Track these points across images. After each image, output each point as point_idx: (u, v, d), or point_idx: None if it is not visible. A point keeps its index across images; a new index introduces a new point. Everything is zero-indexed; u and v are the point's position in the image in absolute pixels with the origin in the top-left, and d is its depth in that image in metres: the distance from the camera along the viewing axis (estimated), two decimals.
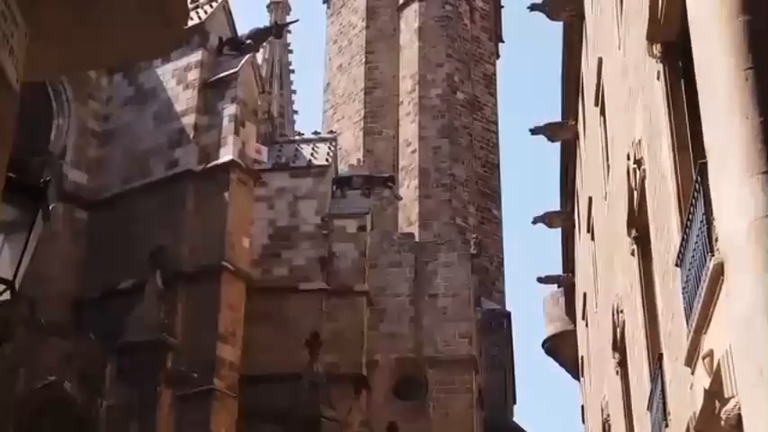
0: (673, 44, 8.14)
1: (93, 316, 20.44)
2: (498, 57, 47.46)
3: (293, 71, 47.62)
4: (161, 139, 22.21)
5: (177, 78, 22.49)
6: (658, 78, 8.32)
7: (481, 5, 46.09)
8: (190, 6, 23.76)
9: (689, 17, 6.75)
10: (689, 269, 6.93)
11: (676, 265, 7.48)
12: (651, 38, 8.38)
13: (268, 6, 46.50)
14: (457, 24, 43.23)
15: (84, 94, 23.04)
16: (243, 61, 21.94)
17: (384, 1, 44.95)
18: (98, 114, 23.18)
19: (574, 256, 22.60)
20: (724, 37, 5.81)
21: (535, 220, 22.38)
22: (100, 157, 22.85)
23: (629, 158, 10.26)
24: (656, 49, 8.34)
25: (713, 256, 6.03)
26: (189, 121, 21.92)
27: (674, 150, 7.90)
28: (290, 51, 48.19)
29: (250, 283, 21.70)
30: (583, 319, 21.04)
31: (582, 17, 17.03)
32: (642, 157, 9.55)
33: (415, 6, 43.16)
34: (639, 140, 9.65)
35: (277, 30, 25.32)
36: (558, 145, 21.09)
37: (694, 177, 6.87)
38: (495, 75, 46.07)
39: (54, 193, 4.60)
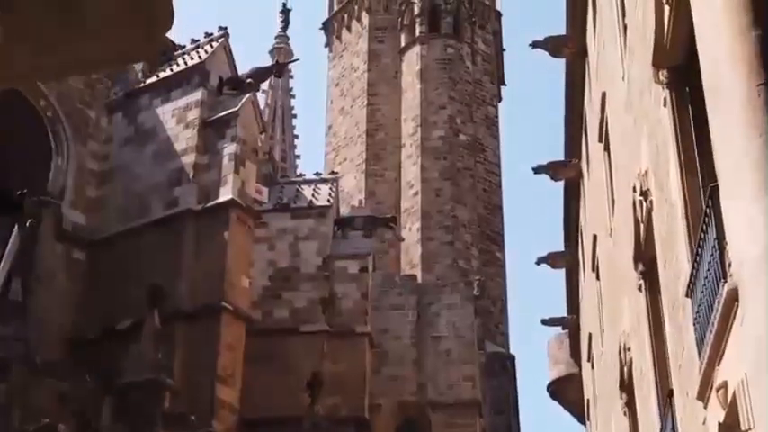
0: (679, 69, 7.98)
1: (91, 356, 20.15)
2: (500, 100, 47.56)
3: (295, 116, 47.80)
4: (160, 179, 22.06)
5: (177, 118, 22.38)
6: (665, 105, 8.16)
7: (483, 48, 46.21)
8: (190, 47, 23.74)
9: (696, 35, 6.59)
10: (700, 298, 6.71)
11: (687, 295, 7.27)
12: (657, 64, 8.23)
13: (270, 52, 46.70)
14: (459, 67, 43.30)
15: (84, 133, 22.93)
16: (243, 100, 21.83)
17: (386, 44, 45.09)
18: (97, 154, 23.05)
19: (578, 297, 22.42)
20: (735, 52, 5.63)
21: (539, 261, 22.27)
22: (99, 197, 22.68)
23: (634, 191, 10.09)
24: (663, 75, 8.19)
25: (726, 282, 5.81)
26: (188, 160, 21.77)
27: (682, 177, 7.71)
28: (293, 96, 48.41)
29: (250, 323, 21.43)
30: (588, 360, 20.79)
31: (584, 54, 16.99)
32: (648, 188, 9.38)
33: (416, 49, 43.26)
34: (645, 171, 9.48)
35: (278, 69, 25.23)
36: (561, 184, 21.01)
37: (704, 203, 6.68)
38: (497, 117, 46.09)
39: (32, 206, 4.34)
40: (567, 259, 22.31)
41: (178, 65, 23.33)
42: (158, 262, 20.74)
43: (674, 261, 8.12)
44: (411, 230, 39.16)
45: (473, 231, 40.37)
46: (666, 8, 7.65)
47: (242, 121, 21.64)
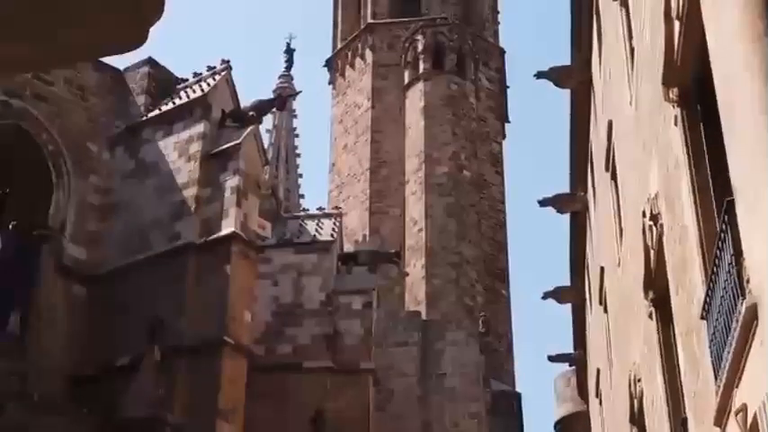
0: (690, 86, 7.80)
1: (90, 392, 19.87)
2: (504, 137, 47.47)
3: (299, 155, 47.75)
4: (162, 212, 21.87)
5: (179, 151, 22.24)
6: (676, 123, 7.97)
7: (487, 85, 46.23)
8: (193, 80, 23.65)
9: (709, 49, 6.40)
10: (716, 319, 6.49)
11: (702, 317, 7.03)
12: (667, 82, 8.06)
13: (274, 91, 46.72)
14: (462, 103, 43.27)
15: (85, 167, 22.79)
16: (245, 133, 21.68)
17: (389, 81, 45.12)
18: (99, 188, 22.89)
19: (585, 332, 22.22)
20: (751, 62, 5.43)
21: (545, 296, 22.10)
22: (100, 232, 22.48)
23: (644, 215, 9.90)
24: (673, 93, 8.02)
25: (745, 299, 5.58)
26: (190, 193, 21.59)
27: (695, 196, 7.50)
28: (296, 135, 48.40)
29: (252, 359, 21.14)
30: (596, 396, 20.54)
31: (589, 84, 16.91)
32: (659, 212, 9.18)
33: (420, 86, 43.24)
34: (655, 194, 9.29)
35: (280, 102, 25.12)
36: (567, 217, 20.85)
37: (719, 220, 6.47)
38: (501, 154, 46.01)
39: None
40: (573, 294, 22.14)
41: (180, 98, 23.23)
42: (159, 296, 20.52)
43: (688, 284, 7.89)
44: (416, 267, 38.89)
45: (478, 268, 40.11)
46: (677, 23, 7.48)
47: (244, 153, 21.49)
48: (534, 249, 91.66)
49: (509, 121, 48.53)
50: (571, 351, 23.74)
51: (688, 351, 8.14)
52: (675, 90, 7.99)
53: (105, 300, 21.38)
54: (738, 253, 5.79)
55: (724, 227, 6.08)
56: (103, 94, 23.62)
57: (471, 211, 41.36)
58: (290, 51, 49.54)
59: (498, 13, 50.01)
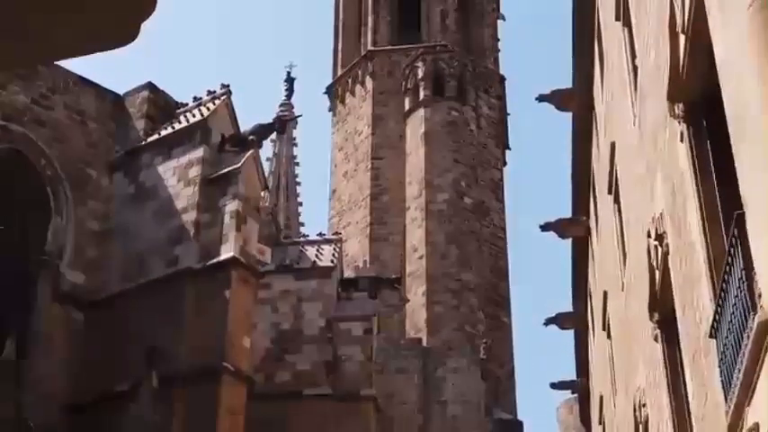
0: (696, 101, 7.69)
1: (87, 419, 19.63)
2: (505, 164, 47.38)
3: (299, 183, 47.72)
4: (161, 237, 21.70)
5: (178, 175, 22.10)
6: (682, 140, 7.85)
7: (487, 112, 46.19)
8: (192, 104, 23.56)
9: (717, 61, 6.28)
10: (726, 336, 6.33)
11: (710, 336, 6.87)
12: (673, 97, 7.95)
13: (274, 119, 46.72)
14: (463, 130, 43.24)
15: (84, 193, 22.65)
16: (245, 157, 21.55)
17: (390, 107, 45.11)
18: (97, 214, 22.73)
19: (588, 359, 22.05)
20: (761, 73, 5.31)
21: (547, 322, 22.00)
22: (98, 257, 22.30)
23: (649, 236, 9.78)
24: (679, 108, 7.90)
25: (756, 313, 5.42)
26: (189, 218, 21.43)
27: (702, 212, 7.37)
28: (297, 164, 48.38)
29: (251, 386, 20.88)
30: (600, 423, 20.32)
31: (591, 108, 16.86)
32: (665, 231, 9.06)
33: (420, 112, 43.21)
34: (660, 214, 9.18)
35: (280, 125, 25.02)
36: (568, 242, 20.73)
37: (728, 235, 6.33)
38: (502, 181, 45.89)
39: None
40: (575, 320, 22.00)
41: (180, 122, 23.13)
42: (158, 322, 20.30)
43: (695, 303, 7.74)
44: (416, 294, 38.70)
45: (479, 295, 39.92)
46: (682, 37, 7.38)
47: (244, 177, 21.35)
48: (536, 275, 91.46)
49: (509, 149, 48.51)
50: (574, 378, 23.55)
51: (696, 372, 7.98)
52: (681, 105, 7.89)
53: (103, 326, 21.17)
54: (749, 267, 5.65)
55: (734, 240, 5.93)
56: (103, 120, 23.53)
57: (472, 237, 41.21)
58: (290, 80, 49.67)
59: (498, 40, 50.06)
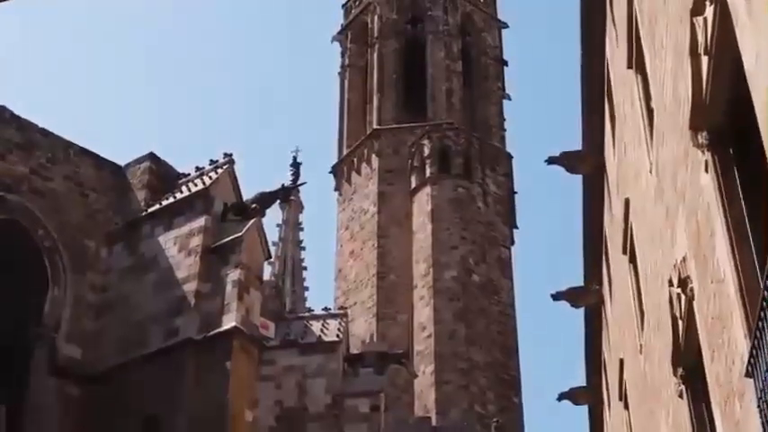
0: (720, 128, 7.22)
1: None
2: (513, 242, 46.88)
3: (305, 268, 47.18)
4: (160, 308, 21.15)
5: (179, 245, 21.63)
6: (706, 170, 7.35)
7: (494, 190, 45.91)
8: (194, 174, 23.18)
9: (746, 70, 5.81)
10: (766, 371, 5.75)
11: (747, 375, 6.29)
12: (695, 125, 7.49)
13: (280, 204, 46.45)
14: (470, 207, 42.93)
15: (82, 264, 22.18)
16: (248, 226, 21.10)
17: (396, 186, 44.89)
18: (96, 285, 22.23)
19: None
20: None
21: (560, 397, 21.36)
22: (96, 330, 21.73)
23: (670, 284, 9.25)
24: (702, 137, 7.42)
25: None
26: (190, 288, 20.90)
27: (732, 245, 6.83)
28: (303, 248, 47.93)
29: None
30: None
31: (602, 168, 16.49)
32: (688, 276, 8.53)
33: (427, 190, 42.97)
34: (684, 257, 8.65)
35: (284, 193, 24.65)
36: (581, 313, 20.22)
37: (762, 263, 5.80)
38: (510, 259, 45.35)
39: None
40: (589, 394, 21.35)
41: (182, 192, 22.75)
42: (157, 395, 19.65)
43: (727, 344, 7.17)
44: (425, 373, 37.95)
45: (488, 375, 39.15)
46: (704, 59, 6.93)
47: (246, 246, 20.86)
48: (547, 349, 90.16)
49: (517, 227, 48.06)
50: None
51: (728, 420, 7.37)
52: (705, 134, 7.42)
53: (101, 400, 20.50)
54: None
55: None
56: (103, 190, 23.18)
57: (481, 315, 40.60)
58: (296, 165, 49.44)
59: (504, 119, 50.02)
